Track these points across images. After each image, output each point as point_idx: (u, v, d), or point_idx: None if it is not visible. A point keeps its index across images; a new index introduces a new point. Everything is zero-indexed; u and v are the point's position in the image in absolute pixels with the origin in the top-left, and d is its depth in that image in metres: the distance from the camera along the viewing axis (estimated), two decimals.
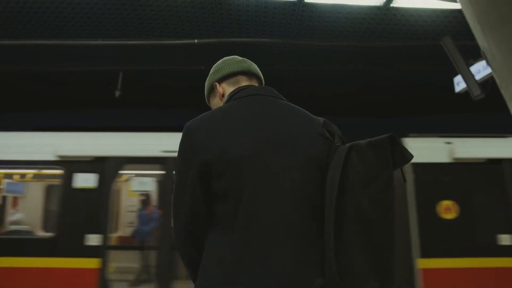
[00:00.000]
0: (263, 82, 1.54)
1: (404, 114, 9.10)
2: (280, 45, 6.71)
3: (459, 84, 5.46)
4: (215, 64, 1.55)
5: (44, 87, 8.26)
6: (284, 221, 1.14)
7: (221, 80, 1.48)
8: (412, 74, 7.59)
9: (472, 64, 4.57)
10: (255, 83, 1.48)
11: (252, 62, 1.54)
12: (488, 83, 4.20)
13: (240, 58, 1.52)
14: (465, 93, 5.28)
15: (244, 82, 1.47)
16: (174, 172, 1.30)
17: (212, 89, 1.51)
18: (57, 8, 5.93)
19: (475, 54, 4.89)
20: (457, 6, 5.53)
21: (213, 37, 6.40)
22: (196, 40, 6.18)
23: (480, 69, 4.66)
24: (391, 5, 5.65)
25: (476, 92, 4.26)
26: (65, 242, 4.94)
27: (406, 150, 1.12)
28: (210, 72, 1.54)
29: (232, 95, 1.38)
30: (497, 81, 3.85)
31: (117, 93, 7.49)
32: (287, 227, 1.14)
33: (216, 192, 1.19)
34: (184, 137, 1.26)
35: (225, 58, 1.55)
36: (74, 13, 6.07)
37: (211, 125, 1.24)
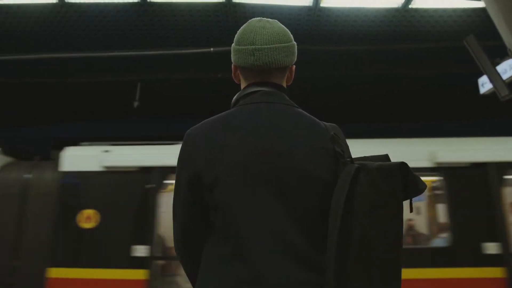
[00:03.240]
0: (288, 69, 1.33)
1: (425, 118, 8.86)
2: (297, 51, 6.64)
3: (484, 85, 5.24)
4: (237, 34, 1.31)
5: (64, 98, 8.44)
6: (279, 242, 1.08)
7: (236, 64, 1.33)
8: (433, 77, 7.38)
9: (498, 64, 4.37)
10: (269, 78, 1.29)
11: (271, 45, 1.25)
12: None
13: (252, 47, 1.25)
14: (490, 95, 5.07)
15: (253, 79, 1.30)
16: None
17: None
18: (75, 22, 6.05)
19: (500, 54, 4.70)
20: (479, 4, 5.35)
21: (228, 45, 6.37)
22: (211, 49, 6.18)
23: (506, 69, 4.45)
24: (410, 6, 5.51)
25: (504, 93, 4.07)
26: None
27: (419, 179, 1.05)
28: (233, 42, 1.34)
29: (237, 100, 1.30)
30: None
31: (136, 104, 7.58)
32: (283, 247, 1.08)
33: (208, 203, 1.15)
34: (182, 145, 1.23)
35: (243, 30, 1.30)
36: (92, 26, 6.18)
37: (207, 135, 1.18)
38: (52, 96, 8.28)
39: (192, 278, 1.25)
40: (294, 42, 1.33)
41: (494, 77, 4.18)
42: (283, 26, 1.34)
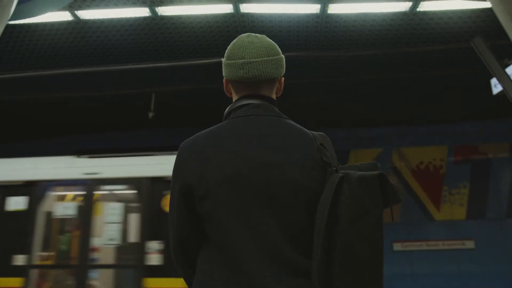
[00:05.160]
0: (276, 81, 1.37)
1: (434, 121, 8.74)
2: (306, 58, 6.70)
3: (497, 86, 5.18)
4: (227, 50, 1.36)
5: (80, 112, 8.70)
6: (269, 251, 1.14)
7: (227, 78, 1.38)
8: (445, 79, 7.29)
9: (508, 65, 4.31)
10: (259, 91, 1.34)
11: (260, 59, 1.31)
12: None
13: (241, 61, 1.30)
14: (503, 95, 5.00)
15: (243, 92, 1.35)
16: None
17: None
18: (91, 37, 6.27)
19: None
20: (488, 4, 5.29)
21: None
22: (222, 59, 6.28)
23: None
24: (418, 9, 5.49)
25: None
26: None
27: (398, 189, 1.12)
28: (224, 58, 1.39)
29: (229, 113, 1.35)
30: None
31: (150, 114, 7.75)
32: (273, 256, 1.14)
33: (201, 214, 1.21)
34: (176, 157, 1.28)
35: (233, 45, 1.36)
36: (106, 41, 6.39)
37: (199, 148, 1.24)
38: (68, 109, 8.54)
39: (188, 283, 1.32)
40: (282, 56, 1.39)
41: (503, 79, 4.13)
42: (271, 40, 1.40)
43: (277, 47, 1.38)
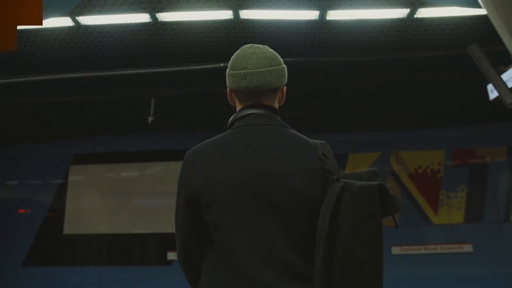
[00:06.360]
0: (279, 90, 1.43)
1: (436, 125, 8.79)
2: (305, 64, 6.75)
3: (493, 91, 5.23)
4: (230, 61, 1.43)
5: (80, 116, 8.74)
6: (269, 256, 1.18)
7: (230, 88, 1.43)
8: (443, 83, 7.36)
9: (503, 72, 4.37)
10: (261, 100, 1.40)
11: (262, 69, 1.36)
12: None
13: (244, 71, 1.36)
14: (500, 101, 5.05)
15: (246, 101, 1.41)
16: None
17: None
18: (92, 42, 6.32)
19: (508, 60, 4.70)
20: (484, 11, 5.36)
21: None
22: (221, 64, 6.35)
23: None
24: (415, 16, 5.56)
25: (509, 100, 4.08)
26: None
27: (397, 199, 1.15)
28: (227, 68, 1.45)
29: (232, 122, 1.40)
30: None
31: (150, 119, 7.78)
32: (273, 261, 1.18)
33: (207, 220, 1.25)
34: (182, 165, 1.34)
35: (236, 56, 1.42)
36: (107, 46, 6.43)
37: (204, 156, 1.29)
38: (68, 113, 8.58)
39: (193, 286, 1.37)
40: (284, 66, 1.44)
41: (499, 85, 4.19)
42: (273, 51, 1.44)
43: (279, 57, 1.43)
